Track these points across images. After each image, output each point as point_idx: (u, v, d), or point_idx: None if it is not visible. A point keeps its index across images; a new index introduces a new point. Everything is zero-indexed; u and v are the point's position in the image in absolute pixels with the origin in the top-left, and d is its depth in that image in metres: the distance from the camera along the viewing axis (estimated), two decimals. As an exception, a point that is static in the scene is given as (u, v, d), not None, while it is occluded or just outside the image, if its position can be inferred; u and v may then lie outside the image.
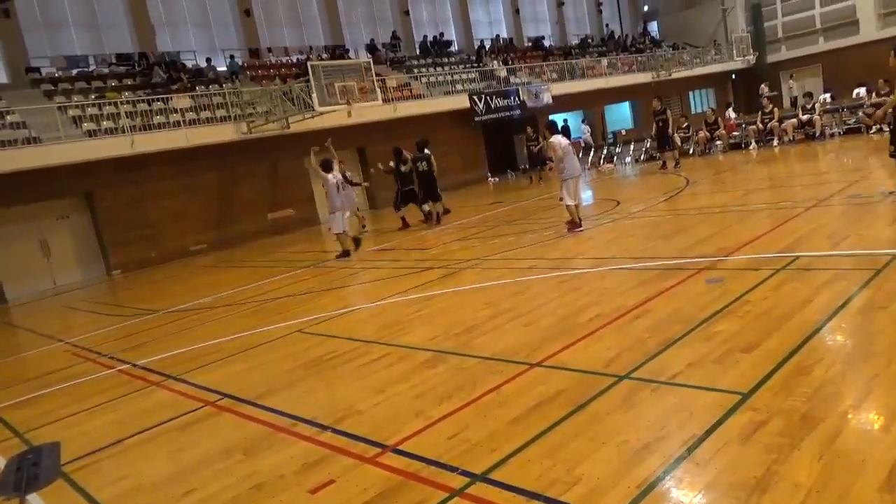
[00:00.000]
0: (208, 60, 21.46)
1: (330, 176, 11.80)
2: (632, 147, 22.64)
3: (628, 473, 3.02)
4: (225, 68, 21.73)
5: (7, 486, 2.94)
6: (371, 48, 25.09)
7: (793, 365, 3.88)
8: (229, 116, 18.12)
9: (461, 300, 7.19)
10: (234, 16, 23.24)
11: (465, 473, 3.30)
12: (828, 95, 21.79)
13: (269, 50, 23.65)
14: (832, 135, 17.42)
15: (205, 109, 18.21)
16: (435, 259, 10.08)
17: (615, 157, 22.54)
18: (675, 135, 18.18)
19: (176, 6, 22.22)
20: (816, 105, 18.10)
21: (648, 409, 3.67)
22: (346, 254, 11.84)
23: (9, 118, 15.68)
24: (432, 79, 24.27)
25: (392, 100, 20.75)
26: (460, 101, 22.89)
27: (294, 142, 18.45)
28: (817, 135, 17.38)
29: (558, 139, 9.78)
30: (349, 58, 22.90)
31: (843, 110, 18.23)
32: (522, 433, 3.60)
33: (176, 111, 17.65)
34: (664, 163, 17.57)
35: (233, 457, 4.06)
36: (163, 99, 17.74)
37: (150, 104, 17.45)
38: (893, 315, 4.44)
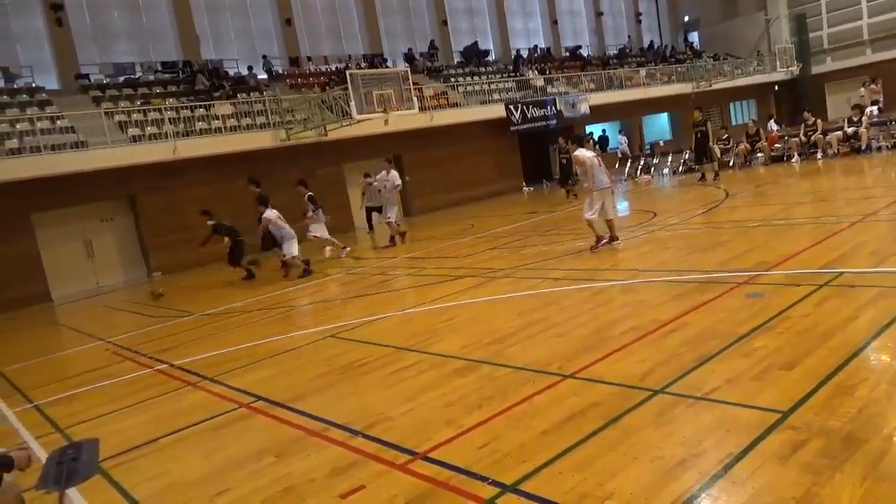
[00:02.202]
0: (250, 68, 21.91)
1: (267, 212, 11.88)
2: (669, 158, 22.34)
3: (662, 490, 2.96)
4: (265, 76, 22.15)
5: (48, 480, 3.01)
6: (409, 57, 25.31)
7: (835, 384, 3.76)
8: (268, 123, 18.43)
9: (493, 309, 7.16)
10: (276, 25, 23.69)
11: (495, 483, 3.27)
12: (875, 108, 21.19)
13: (309, 59, 24.04)
14: (879, 148, 16.92)
15: (245, 116, 18.57)
16: (467, 268, 10.08)
17: (652, 169, 22.26)
18: (715, 146, 17.86)
19: (220, 16, 22.76)
20: (864, 118, 17.61)
21: (684, 425, 3.60)
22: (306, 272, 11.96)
23: (59, 123, 16.22)
24: (469, 88, 24.36)
25: (428, 108, 20.87)
26: (496, 111, 22.91)
27: (331, 149, 18.67)
28: (863, 148, 16.90)
29: (583, 152, 9.43)
30: (387, 67, 23.13)
31: (891, 123, 17.69)
32: (554, 445, 3.56)
33: (217, 118, 18.04)
34: (703, 175, 17.28)
35: (265, 459, 4.11)
36: (205, 106, 18.16)
37: (192, 111, 17.88)
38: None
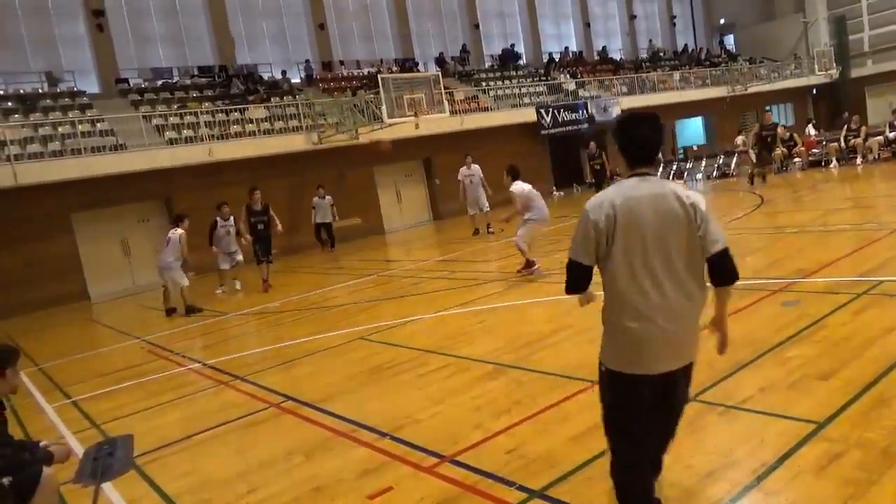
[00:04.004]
0: (283, 73, 22.21)
1: (172, 232, 10.96)
2: (703, 163, 22.00)
3: (694, 499, 2.92)
4: (299, 80, 22.43)
5: (84, 474, 3.09)
6: (440, 61, 25.38)
7: (873, 395, 3.67)
8: (301, 126, 18.65)
9: (523, 314, 7.14)
10: (309, 29, 23.97)
11: (522, 489, 3.26)
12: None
13: (342, 62, 24.27)
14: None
15: (278, 120, 18.81)
16: (498, 271, 10.06)
17: (686, 174, 21.96)
18: (752, 151, 17.21)
19: (255, 21, 23.12)
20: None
21: (716, 434, 3.55)
22: (190, 310, 10.76)
23: (99, 126, 16.63)
24: (500, 92, 24.32)
25: (459, 112, 20.89)
26: (527, 115, 22.83)
27: (362, 152, 18.80)
28: (905, 153, 16.44)
29: (519, 187, 8.96)
30: (418, 71, 23.23)
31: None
32: (582, 451, 3.54)
33: (251, 121, 18.31)
34: (764, 177, 16.45)
35: (294, 458, 4.15)
36: (239, 109, 18.44)
37: (227, 114, 18.18)
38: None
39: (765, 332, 5.01)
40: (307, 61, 23.23)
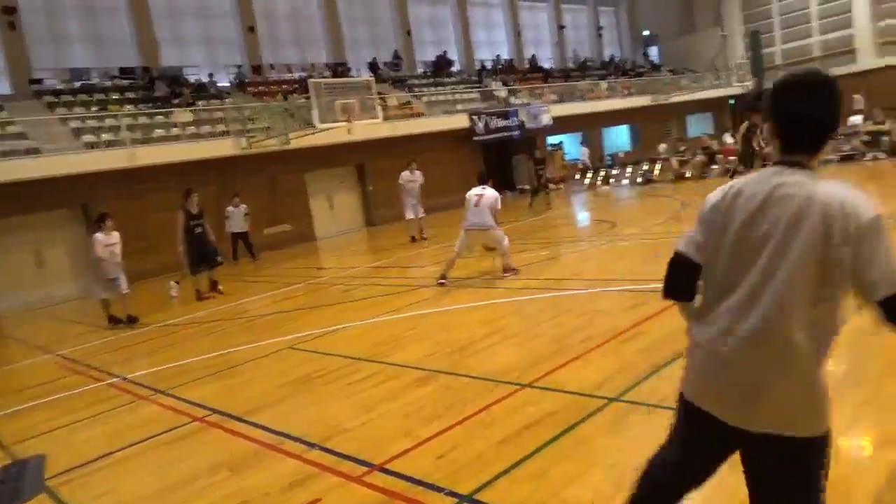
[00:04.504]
0: (210, 76, 21.61)
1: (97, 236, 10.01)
2: (629, 169, 22.75)
3: (618, 496, 2.99)
4: (227, 84, 21.88)
5: (-12, 499, 2.91)
6: (373, 67, 25.30)
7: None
8: (229, 131, 18.20)
9: (454, 319, 7.17)
10: (238, 32, 23.43)
11: (451, 494, 3.27)
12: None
13: (272, 66, 23.83)
14: (827, 161, 17.51)
15: (205, 124, 18.29)
16: (430, 277, 10.07)
17: (612, 180, 22.65)
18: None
19: (181, 23, 22.41)
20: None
21: (639, 432, 3.65)
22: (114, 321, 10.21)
23: (9, 129, 15.73)
24: (433, 98, 24.44)
25: (392, 118, 20.87)
26: (460, 121, 23.03)
27: (293, 158, 18.51)
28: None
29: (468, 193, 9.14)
30: (351, 76, 23.07)
31: (838, 137, 18.33)
32: (510, 454, 3.58)
33: (177, 125, 17.73)
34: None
35: (219, 473, 4.03)
36: (164, 113, 17.83)
37: (151, 118, 17.53)
38: (882, 341, 4.42)
39: (684, 333, 5.19)
40: (238, 66, 22.70)
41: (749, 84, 32.54)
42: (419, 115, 22.55)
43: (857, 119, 19.75)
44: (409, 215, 14.97)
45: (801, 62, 32.58)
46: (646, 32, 38.80)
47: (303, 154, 18.45)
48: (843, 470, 2.94)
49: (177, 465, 4.29)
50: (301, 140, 17.72)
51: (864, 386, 3.85)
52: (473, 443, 3.83)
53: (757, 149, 15.60)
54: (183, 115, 18.06)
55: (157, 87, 19.79)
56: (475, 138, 23.18)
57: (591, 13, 36.65)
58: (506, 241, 9.05)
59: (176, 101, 19.06)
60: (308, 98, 16.35)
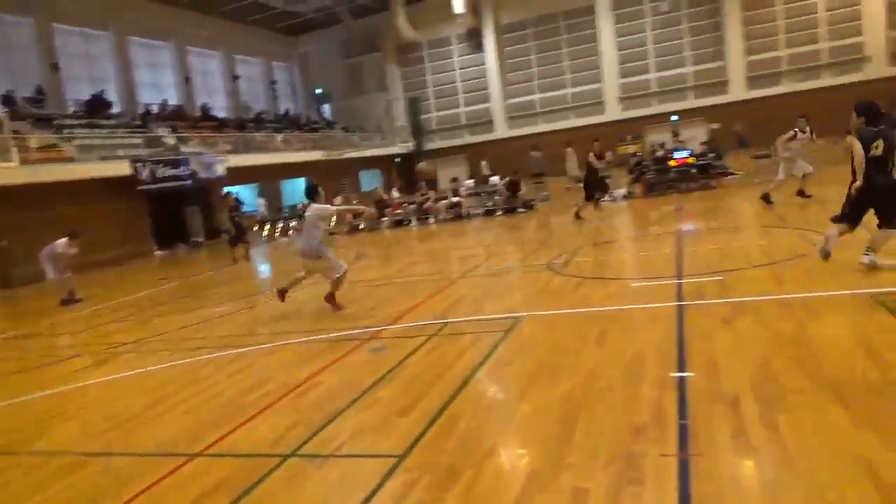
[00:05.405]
0: None
1: None
2: (307, 221, 23.23)
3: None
4: None
5: None
6: (7, 100, 21.63)
7: (442, 421, 4.29)
8: None
9: (115, 390, 6.39)
10: None
11: None
12: (471, 181, 25.45)
13: None
14: (475, 215, 20.30)
15: None
16: (85, 345, 8.85)
17: (291, 231, 22.88)
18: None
19: None
20: (461, 189, 21.00)
21: (314, 486, 3.69)
22: None
23: None
24: (87, 141, 21.81)
25: (34, 162, 18.05)
26: (121, 168, 20.95)
27: None
28: (464, 214, 20.09)
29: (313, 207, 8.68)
30: (-24, 110, 19.38)
31: (481, 194, 21.44)
32: (177, 534, 3.29)
33: None
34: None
35: None
36: None
37: None
38: (518, 369, 5.25)
39: (356, 379, 5.45)
40: None
41: (410, 145, 36.23)
42: (69, 159, 19.89)
43: (495, 179, 23.30)
44: (52, 276, 12.85)
45: (452, 129, 37.53)
46: (319, 90, 40.58)
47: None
48: (493, 486, 3.36)
49: None
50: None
51: (505, 408, 4.47)
52: (134, 529, 3.43)
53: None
54: None
55: None
56: (140, 188, 21.31)
57: (264, 66, 37.04)
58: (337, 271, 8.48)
59: None
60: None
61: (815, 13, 30.05)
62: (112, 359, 7.72)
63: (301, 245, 8.66)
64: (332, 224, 18.48)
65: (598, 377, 4.74)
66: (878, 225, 6.67)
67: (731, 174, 19.19)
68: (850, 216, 6.84)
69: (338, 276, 8.52)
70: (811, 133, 12.92)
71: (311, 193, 8.82)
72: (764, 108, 29.50)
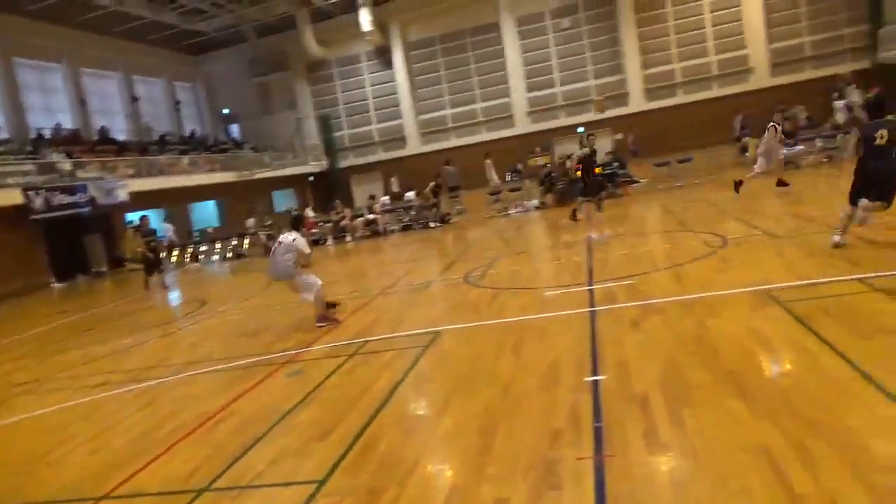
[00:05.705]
0: None
1: None
2: (218, 245, 22.53)
3: None
4: None
5: None
6: None
7: (362, 443, 4.24)
8: None
9: (12, 435, 5.94)
10: None
11: None
12: (387, 198, 25.43)
13: None
14: (392, 231, 20.29)
15: None
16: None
17: (201, 256, 22.09)
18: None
19: None
20: (376, 206, 20.95)
21: (230, 519, 3.55)
22: None
23: None
24: (-30, 169, 20.29)
25: None
26: (11, 197, 19.60)
27: None
28: (381, 231, 20.04)
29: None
30: None
31: (399, 210, 21.47)
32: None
33: None
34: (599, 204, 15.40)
35: None
36: None
37: None
38: (438, 383, 5.27)
39: (274, 405, 5.31)
40: None
41: (324, 163, 35.82)
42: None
43: (411, 194, 23.39)
44: None
45: (365, 146, 37.46)
46: (226, 111, 39.50)
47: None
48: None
49: None
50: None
51: (426, 425, 4.47)
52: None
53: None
54: None
55: None
56: (33, 217, 20.00)
57: (167, 87, 35.69)
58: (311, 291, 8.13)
59: None
60: None
61: (703, 28, 31.99)
62: (8, 400, 7.18)
63: (273, 269, 8.36)
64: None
65: (516, 386, 4.83)
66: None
67: (636, 181, 20.10)
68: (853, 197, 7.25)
69: (314, 293, 8.21)
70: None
71: (296, 223, 9.13)
72: (662, 118, 31.09)
